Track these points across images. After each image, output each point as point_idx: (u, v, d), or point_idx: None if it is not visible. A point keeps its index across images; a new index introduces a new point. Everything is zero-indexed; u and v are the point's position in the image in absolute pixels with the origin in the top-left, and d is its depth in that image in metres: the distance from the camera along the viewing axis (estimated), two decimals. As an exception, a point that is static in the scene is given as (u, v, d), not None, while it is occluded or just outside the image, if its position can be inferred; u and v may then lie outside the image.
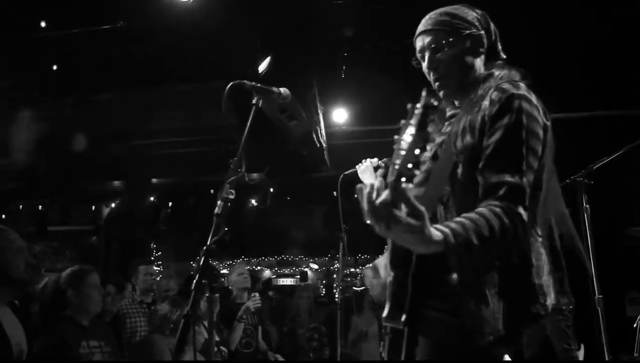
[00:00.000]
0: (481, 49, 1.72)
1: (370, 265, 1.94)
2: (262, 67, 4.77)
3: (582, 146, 3.99)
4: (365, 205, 1.23)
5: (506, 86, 1.58)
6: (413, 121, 1.28)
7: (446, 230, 1.35)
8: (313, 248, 11.64)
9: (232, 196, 1.76)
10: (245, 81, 1.94)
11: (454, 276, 1.51)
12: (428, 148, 1.59)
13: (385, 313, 1.54)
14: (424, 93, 1.28)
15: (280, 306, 7.18)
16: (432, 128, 1.83)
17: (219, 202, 1.74)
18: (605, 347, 3.20)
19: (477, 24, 1.72)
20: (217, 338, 3.58)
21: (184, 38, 4.89)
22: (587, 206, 3.27)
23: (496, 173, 1.49)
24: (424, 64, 1.75)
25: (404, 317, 1.48)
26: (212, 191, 7.78)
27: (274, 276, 13.15)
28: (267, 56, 4.81)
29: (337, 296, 4.57)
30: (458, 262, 1.36)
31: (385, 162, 3.03)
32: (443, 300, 1.52)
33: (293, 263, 13.36)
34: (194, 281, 1.61)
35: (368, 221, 1.26)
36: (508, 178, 1.47)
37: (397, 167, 1.23)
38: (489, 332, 1.47)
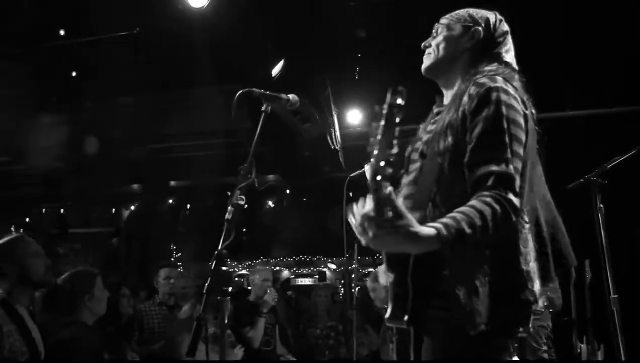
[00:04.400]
0: (474, 43, 1.80)
1: (372, 272, 1.97)
2: (276, 70, 4.82)
3: (596, 144, 3.96)
4: (351, 221, 1.31)
5: (483, 80, 1.64)
6: (382, 122, 1.32)
7: (437, 224, 1.39)
8: (331, 248, 11.66)
9: (242, 202, 1.81)
10: (254, 89, 1.99)
11: (446, 272, 1.53)
12: (417, 145, 1.67)
13: (388, 314, 1.57)
14: (389, 93, 1.32)
15: (298, 306, 7.21)
16: (421, 126, 1.91)
17: (229, 208, 1.79)
18: (621, 347, 3.18)
19: (481, 22, 1.81)
20: (232, 338, 3.64)
21: (198, 43, 4.95)
22: (602, 205, 3.25)
23: (482, 165, 1.53)
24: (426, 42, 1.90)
25: (406, 317, 1.51)
26: (228, 192, 7.82)
27: (293, 276, 13.21)
28: (280, 59, 4.85)
29: (355, 296, 4.58)
30: (452, 254, 1.41)
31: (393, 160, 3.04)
32: (440, 298, 1.54)
33: (311, 263, 13.41)
34: (206, 285, 1.66)
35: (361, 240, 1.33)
36: (494, 167, 1.51)
37: (371, 167, 1.28)
38: (481, 322, 1.49)
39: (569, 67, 4.63)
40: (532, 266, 1.58)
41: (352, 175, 2.99)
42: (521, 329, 1.57)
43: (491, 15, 1.84)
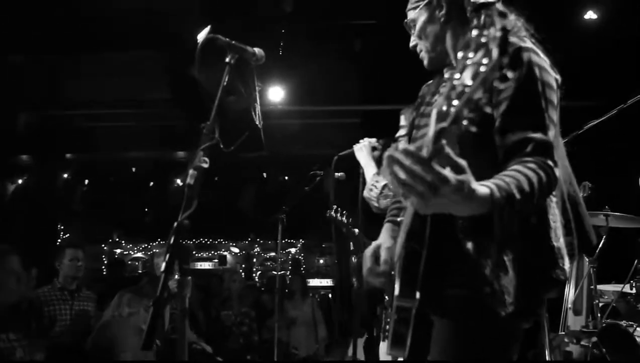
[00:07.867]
0: (463, 12, 1.60)
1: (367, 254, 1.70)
2: (201, 37, 4.47)
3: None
4: (401, 174, 1.04)
5: (513, 39, 1.48)
6: (484, 51, 0.99)
7: (490, 184, 1.22)
8: (234, 231, 11.38)
9: (205, 165, 1.56)
10: (219, 36, 1.75)
11: (469, 246, 1.40)
12: (427, 110, 1.50)
13: (396, 292, 1.41)
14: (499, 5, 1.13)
15: (208, 289, 6.92)
16: (426, 90, 1.77)
17: (190, 171, 1.53)
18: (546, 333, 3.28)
19: None
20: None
21: (111, 2, 4.49)
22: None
23: (518, 130, 1.39)
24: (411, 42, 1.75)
25: (418, 295, 1.35)
26: (133, 169, 7.30)
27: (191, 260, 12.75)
28: (206, 26, 4.51)
29: (266, 280, 4.40)
30: (500, 219, 1.25)
31: (383, 143, 2.85)
32: (459, 275, 1.42)
33: (212, 246, 13.00)
34: (164, 262, 1.40)
35: (404, 198, 1.08)
36: (532, 134, 1.37)
37: (453, 110, 1.01)
38: (510, 302, 1.38)
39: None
40: (562, 242, 1.48)
41: (340, 154, 2.86)
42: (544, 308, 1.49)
43: None
